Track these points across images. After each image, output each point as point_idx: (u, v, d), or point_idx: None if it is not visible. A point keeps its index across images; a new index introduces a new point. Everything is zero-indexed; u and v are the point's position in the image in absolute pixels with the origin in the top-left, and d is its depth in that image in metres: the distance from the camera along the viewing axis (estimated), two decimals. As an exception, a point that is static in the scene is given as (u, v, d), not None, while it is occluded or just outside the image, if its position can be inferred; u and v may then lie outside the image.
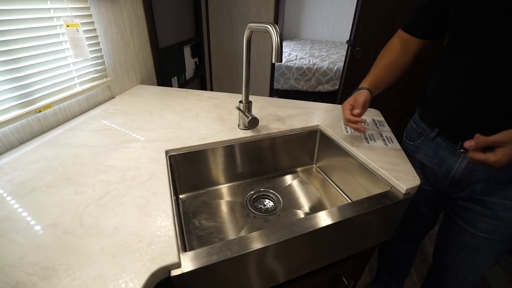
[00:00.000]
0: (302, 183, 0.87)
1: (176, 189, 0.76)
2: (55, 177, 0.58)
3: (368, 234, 0.65)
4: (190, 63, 1.78)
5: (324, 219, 0.52)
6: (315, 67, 2.57)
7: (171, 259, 0.41)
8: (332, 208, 0.55)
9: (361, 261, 0.78)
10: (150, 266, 0.40)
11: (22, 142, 0.71)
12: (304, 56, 2.80)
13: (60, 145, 0.70)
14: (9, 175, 0.58)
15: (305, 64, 2.59)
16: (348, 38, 1.86)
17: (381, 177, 0.66)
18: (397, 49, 0.74)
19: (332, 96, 2.67)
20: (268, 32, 0.54)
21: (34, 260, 0.40)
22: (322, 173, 0.90)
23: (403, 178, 0.62)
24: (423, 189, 0.78)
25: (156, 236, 0.45)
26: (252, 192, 0.81)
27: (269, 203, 0.78)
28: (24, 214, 0.48)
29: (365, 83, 0.76)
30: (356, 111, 0.70)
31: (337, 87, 2.58)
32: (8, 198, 0.52)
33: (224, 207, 0.75)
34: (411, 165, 0.67)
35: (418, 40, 0.71)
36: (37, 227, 0.46)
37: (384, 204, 0.57)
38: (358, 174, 0.73)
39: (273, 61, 0.53)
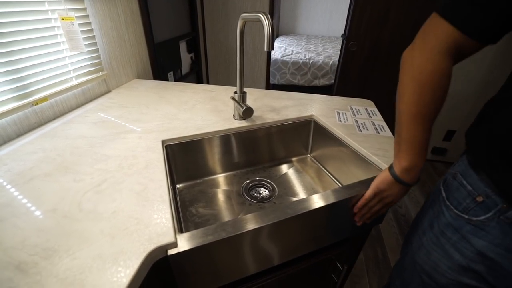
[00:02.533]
0: (297, 172, 0.89)
1: (173, 179, 0.77)
2: (54, 166, 0.59)
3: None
4: (186, 58, 1.79)
5: (316, 201, 0.54)
6: (310, 61, 2.58)
7: (167, 239, 0.43)
8: (324, 192, 0.56)
9: (354, 246, 0.80)
10: (148, 246, 0.41)
11: (19, 134, 0.71)
12: (300, 51, 2.81)
13: (58, 137, 0.71)
14: (8, 166, 0.59)
15: (301, 59, 2.60)
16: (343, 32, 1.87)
17: (373, 163, 0.67)
18: (447, 83, 0.41)
19: (328, 90, 2.68)
20: (260, 21, 0.56)
21: (35, 242, 0.41)
22: (317, 162, 0.92)
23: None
24: (469, 287, 0.47)
25: (153, 219, 0.46)
26: (248, 181, 0.83)
27: (264, 192, 0.80)
28: (24, 201, 0.50)
29: (401, 163, 0.48)
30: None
31: (332, 81, 2.59)
32: (8, 186, 0.53)
33: (220, 196, 0.77)
34: (402, 151, 0.69)
35: (479, 46, 0.38)
36: (37, 213, 0.47)
37: (374, 187, 0.58)
38: (351, 162, 0.75)
39: (265, 49, 0.54)
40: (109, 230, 0.44)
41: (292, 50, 2.81)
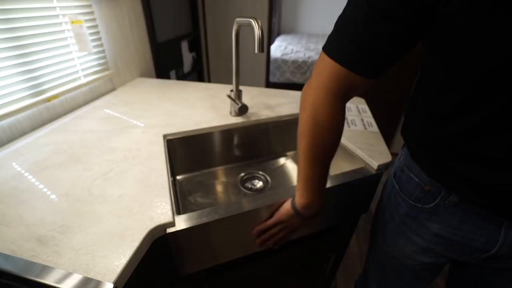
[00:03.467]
0: (290, 166, 0.94)
1: (173, 171, 0.83)
2: (65, 157, 0.66)
3: (346, 206, 0.72)
4: (187, 57, 1.85)
5: (301, 189, 0.59)
6: (310, 60, 2.62)
7: (167, 219, 0.49)
8: (310, 181, 0.62)
9: (343, 235, 0.85)
10: (149, 224, 0.47)
11: (33, 128, 0.78)
12: (300, 50, 2.85)
13: (68, 131, 0.77)
14: (24, 156, 0.66)
15: (301, 58, 2.64)
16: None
17: (358, 156, 0.73)
18: (342, 123, 0.45)
19: (328, 88, 2.72)
20: (251, 25, 0.61)
21: (52, 220, 0.48)
22: (309, 157, 0.97)
23: (376, 156, 0.69)
24: (431, 264, 0.55)
25: (154, 202, 0.52)
26: (243, 174, 0.89)
27: (258, 183, 0.86)
28: (41, 186, 0.56)
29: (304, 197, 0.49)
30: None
31: (332, 79, 2.63)
32: (26, 174, 0.60)
33: (217, 187, 0.83)
34: (386, 146, 0.74)
35: (367, 81, 0.40)
36: (53, 196, 0.53)
37: (356, 178, 0.64)
38: (339, 156, 0.80)
39: (256, 51, 0.60)
40: (116, 211, 0.50)
41: (292, 49, 2.86)
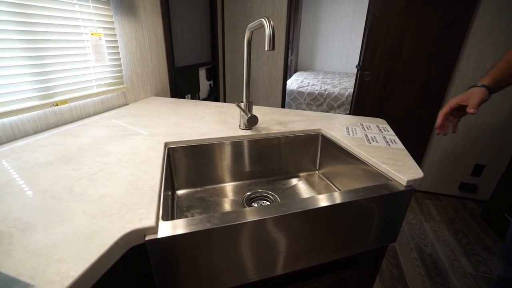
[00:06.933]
0: (303, 187, 0.84)
1: (173, 185, 0.76)
2: (57, 157, 0.61)
3: (368, 231, 0.59)
4: (204, 84, 1.89)
5: (315, 202, 0.49)
6: (326, 92, 2.62)
7: (148, 223, 0.40)
8: (324, 194, 0.52)
9: (367, 271, 0.70)
10: (125, 227, 0.39)
11: (36, 131, 0.76)
12: (316, 83, 2.89)
13: (70, 136, 0.74)
14: (17, 154, 0.62)
15: (317, 90, 2.66)
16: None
17: (381, 172, 0.62)
18: None
19: (344, 122, 2.67)
20: (262, 25, 0.58)
21: (17, 216, 0.41)
22: (325, 179, 0.87)
23: (404, 171, 0.59)
24: None
25: (138, 205, 0.44)
26: (249, 192, 0.79)
27: (266, 204, 0.76)
28: (21, 182, 0.50)
29: (484, 80, 0.66)
30: (470, 111, 0.65)
31: (348, 112, 2.58)
32: (11, 170, 0.55)
33: (219, 204, 0.74)
34: (415, 163, 0.64)
35: None
36: (29, 192, 0.47)
37: (380, 193, 0.53)
38: (361, 177, 0.70)
39: (266, 49, 0.56)
40: (92, 211, 0.42)
41: (309, 83, 2.90)
